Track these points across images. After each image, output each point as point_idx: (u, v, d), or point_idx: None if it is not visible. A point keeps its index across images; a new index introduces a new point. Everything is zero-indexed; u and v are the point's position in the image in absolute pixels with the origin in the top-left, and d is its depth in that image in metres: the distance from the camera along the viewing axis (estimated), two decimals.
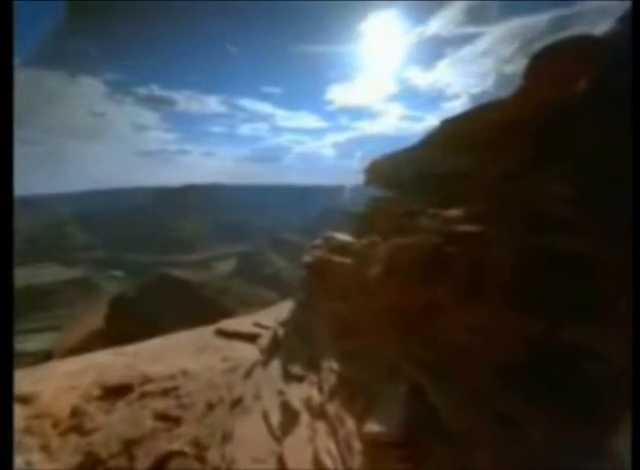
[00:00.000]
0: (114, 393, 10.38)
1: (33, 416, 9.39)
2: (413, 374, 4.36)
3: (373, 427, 3.86)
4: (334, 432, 4.31)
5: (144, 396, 10.18)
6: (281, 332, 8.62)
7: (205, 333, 17.46)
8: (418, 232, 5.64)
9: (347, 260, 7.23)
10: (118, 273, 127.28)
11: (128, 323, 61.69)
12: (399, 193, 11.13)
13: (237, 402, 7.31)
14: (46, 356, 55.70)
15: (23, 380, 11.71)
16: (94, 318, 69.92)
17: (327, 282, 7.64)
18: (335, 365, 5.26)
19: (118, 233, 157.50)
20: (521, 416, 4.07)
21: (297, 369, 6.12)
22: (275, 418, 5.36)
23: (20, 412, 9.38)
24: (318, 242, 10.18)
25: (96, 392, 10.37)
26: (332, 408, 4.59)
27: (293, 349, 7.01)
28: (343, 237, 9.19)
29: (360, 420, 4.14)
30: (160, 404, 9.74)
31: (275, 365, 7.02)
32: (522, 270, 4.57)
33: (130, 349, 15.97)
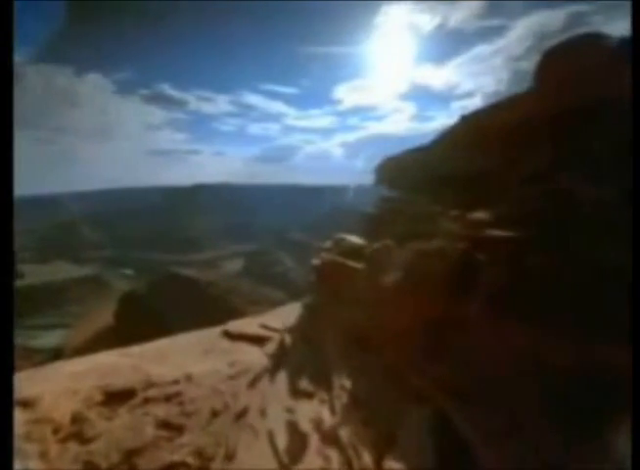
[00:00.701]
0: (117, 398, 10.08)
1: (34, 421, 9.13)
2: (436, 398, 3.85)
3: (394, 464, 3.38)
4: (348, 462, 3.83)
5: (146, 401, 9.86)
6: (288, 339, 8.16)
7: (211, 334, 17.26)
8: (439, 236, 5.14)
9: (360, 265, 6.73)
10: (128, 271, 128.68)
11: (138, 320, 62.29)
12: (412, 193, 10.64)
13: (242, 414, 6.88)
14: (57, 353, 56.64)
15: (27, 382, 11.53)
16: (104, 316, 70.77)
17: (337, 288, 7.16)
18: (347, 383, 4.76)
19: (128, 232, 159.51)
20: (559, 451, 3.56)
21: (305, 384, 5.64)
22: (282, 440, 4.87)
23: (20, 417, 9.12)
24: (328, 244, 9.71)
25: (98, 397, 10.07)
26: (345, 434, 4.10)
27: (301, 360, 6.53)
28: (355, 239, 8.71)
29: (378, 452, 3.65)
30: (162, 411, 9.39)
31: (282, 377, 6.55)
32: (560, 281, 4.05)
33: (136, 349, 15.81)
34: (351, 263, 7.07)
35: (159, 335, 19.24)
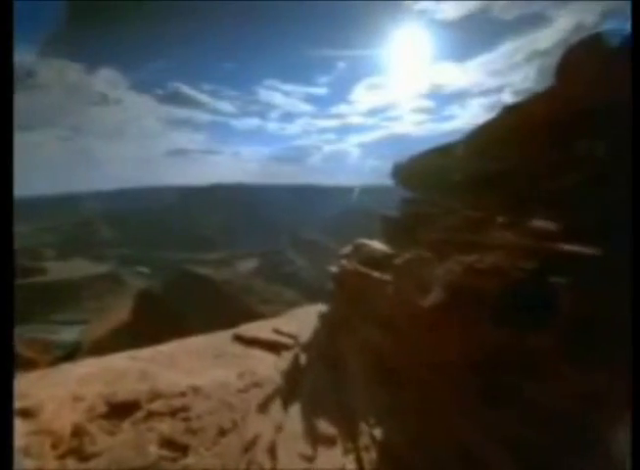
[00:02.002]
0: (121, 409, 9.50)
1: (33, 433, 8.63)
2: (498, 460, 2.95)
3: None
4: None
5: (151, 415, 9.24)
6: (304, 357, 7.34)
7: (223, 338, 16.85)
8: (488, 248, 4.22)
9: (386, 277, 5.80)
10: (144, 269, 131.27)
11: (153, 317, 63.40)
12: (438, 195, 9.70)
13: (250, 444, 6.10)
14: (76, 347, 58.22)
15: (33, 386, 11.11)
16: (121, 312, 72.16)
17: (360, 301, 6.27)
18: (377, 431, 3.82)
19: (145, 230, 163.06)
20: None
21: (325, 426, 4.77)
22: None
23: (20, 428, 8.63)
24: (347, 250, 8.82)
25: (101, 407, 9.50)
26: None
27: (319, 388, 5.68)
28: (378, 246, 7.79)
29: None
30: (166, 428, 8.76)
31: (297, 410, 5.71)
32: None
33: (146, 353, 15.43)
34: (376, 274, 6.16)
35: (174, 332, 19.07)
